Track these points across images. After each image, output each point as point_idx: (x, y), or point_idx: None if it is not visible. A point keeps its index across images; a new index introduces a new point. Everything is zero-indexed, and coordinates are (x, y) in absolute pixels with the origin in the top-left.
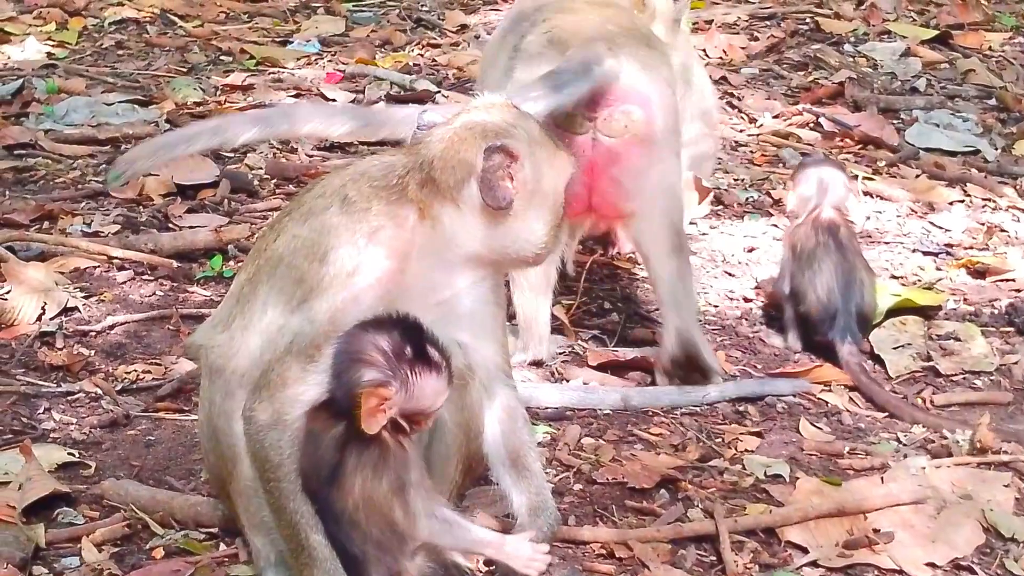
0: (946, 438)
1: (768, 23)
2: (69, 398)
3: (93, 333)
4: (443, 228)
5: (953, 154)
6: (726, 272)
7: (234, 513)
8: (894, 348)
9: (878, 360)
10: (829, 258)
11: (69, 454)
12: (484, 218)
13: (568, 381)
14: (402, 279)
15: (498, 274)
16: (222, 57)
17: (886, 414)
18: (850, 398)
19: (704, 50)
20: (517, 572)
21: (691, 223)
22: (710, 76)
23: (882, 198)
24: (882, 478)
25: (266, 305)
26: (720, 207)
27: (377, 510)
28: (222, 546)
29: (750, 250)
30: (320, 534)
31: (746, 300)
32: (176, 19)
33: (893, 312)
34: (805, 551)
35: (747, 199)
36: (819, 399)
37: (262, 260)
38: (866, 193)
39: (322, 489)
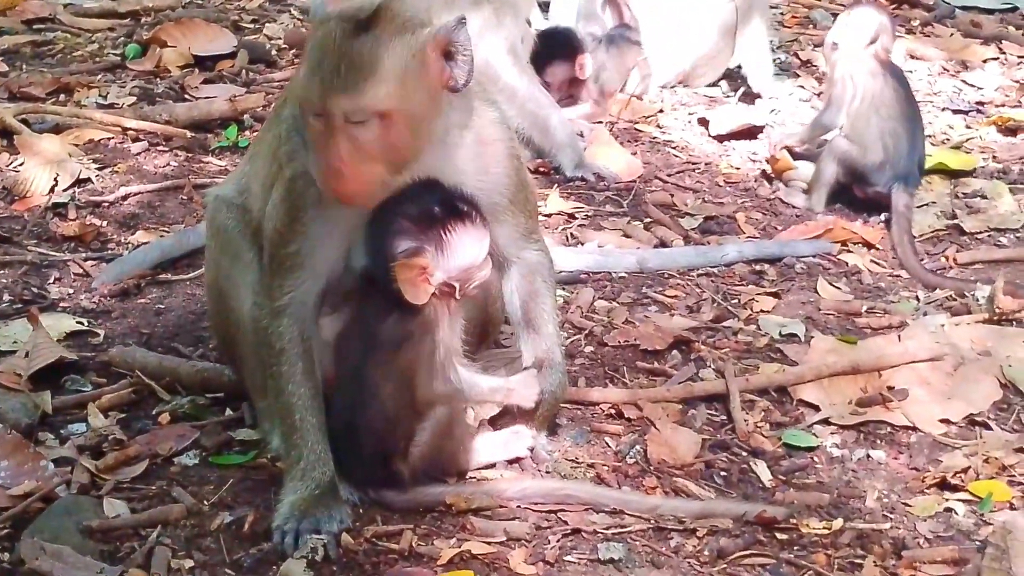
0: (966, 296)
1: None
2: (79, 268)
3: (106, 203)
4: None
5: (990, 12)
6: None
7: (239, 377)
8: (918, 206)
9: None
10: (898, 103)
11: (78, 323)
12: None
13: (583, 244)
14: None
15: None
16: None
17: (905, 272)
18: (871, 259)
19: None
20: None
21: (714, 85)
22: None
23: (914, 57)
24: (900, 336)
25: (271, 176)
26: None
27: (401, 376)
28: (228, 411)
29: (773, 112)
30: (316, 418)
31: (767, 161)
32: None
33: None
34: (817, 409)
35: (775, 60)
36: (839, 259)
37: (274, 126)
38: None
39: (356, 359)
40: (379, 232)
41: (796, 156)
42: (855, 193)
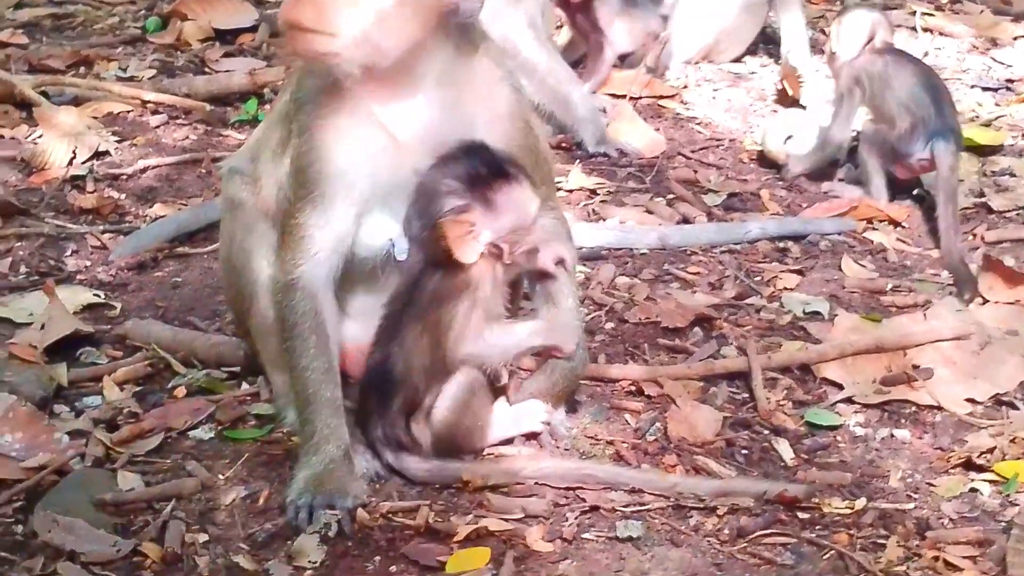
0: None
1: None
2: (96, 240)
3: (124, 176)
4: None
5: None
6: (773, 111)
7: (254, 351)
8: None
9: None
10: (904, 71)
11: (94, 295)
12: None
13: (604, 220)
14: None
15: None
16: None
17: (935, 250)
18: (897, 237)
19: None
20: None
21: (739, 60)
22: None
23: (943, 34)
24: (925, 314)
25: (283, 143)
26: (771, 45)
27: (435, 331)
28: (244, 385)
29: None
30: (330, 392)
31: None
32: None
33: None
34: (841, 388)
35: None
36: (864, 237)
37: (285, 94)
38: (926, 29)
39: (395, 313)
40: (427, 191)
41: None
42: (899, 176)
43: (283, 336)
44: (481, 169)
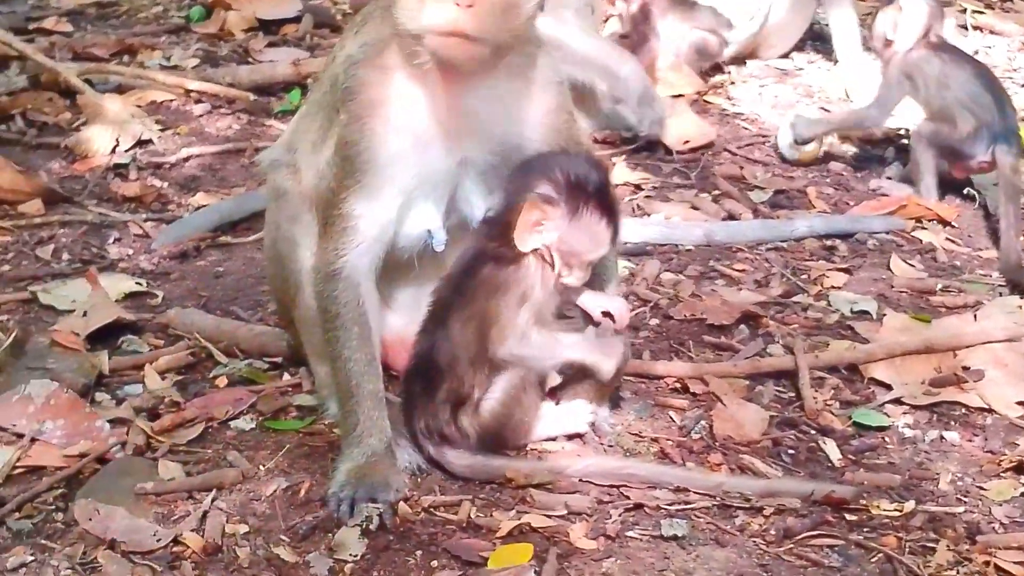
0: None
1: None
2: (139, 229)
3: (167, 165)
4: None
5: None
6: (822, 108)
7: (297, 341)
8: (994, 184)
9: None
10: (963, 71)
11: (137, 283)
12: None
13: (649, 216)
14: (415, 104)
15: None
16: None
17: (985, 250)
18: (946, 236)
19: None
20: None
21: (786, 57)
22: None
23: (993, 32)
24: (975, 315)
25: (321, 130)
26: (819, 42)
27: (482, 324)
28: (286, 376)
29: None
30: (372, 384)
31: (842, 138)
32: None
33: None
34: (889, 388)
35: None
36: (912, 236)
37: (324, 82)
38: (976, 28)
39: (444, 301)
40: (531, 170)
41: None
42: (954, 175)
43: (325, 327)
44: (589, 184)
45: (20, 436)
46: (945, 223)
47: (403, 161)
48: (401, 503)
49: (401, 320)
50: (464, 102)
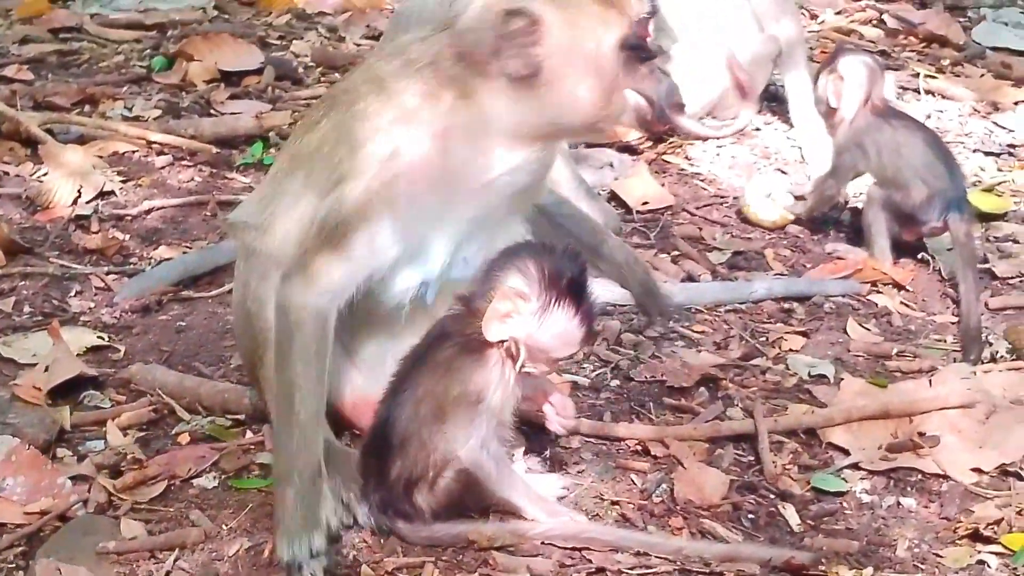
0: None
1: None
2: (101, 281)
3: (129, 217)
4: (481, 105)
5: (1021, 54)
6: (778, 170)
7: (262, 399)
8: (948, 249)
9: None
10: (915, 137)
11: (99, 338)
12: (518, 89)
13: None
14: (443, 161)
15: (553, 147)
16: None
17: (939, 314)
18: (901, 300)
19: None
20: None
21: (735, 118)
22: None
23: (944, 97)
24: (931, 380)
25: (304, 188)
26: (775, 103)
27: (438, 406)
28: (248, 433)
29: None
30: (314, 411)
31: (797, 199)
32: None
33: None
34: (847, 453)
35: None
36: (868, 300)
37: (302, 142)
38: (928, 92)
39: (405, 374)
40: (510, 256)
41: None
42: (905, 238)
43: (280, 361)
44: (564, 281)
45: None
46: (900, 287)
47: (414, 214)
48: (364, 566)
49: (370, 379)
50: (501, 163)
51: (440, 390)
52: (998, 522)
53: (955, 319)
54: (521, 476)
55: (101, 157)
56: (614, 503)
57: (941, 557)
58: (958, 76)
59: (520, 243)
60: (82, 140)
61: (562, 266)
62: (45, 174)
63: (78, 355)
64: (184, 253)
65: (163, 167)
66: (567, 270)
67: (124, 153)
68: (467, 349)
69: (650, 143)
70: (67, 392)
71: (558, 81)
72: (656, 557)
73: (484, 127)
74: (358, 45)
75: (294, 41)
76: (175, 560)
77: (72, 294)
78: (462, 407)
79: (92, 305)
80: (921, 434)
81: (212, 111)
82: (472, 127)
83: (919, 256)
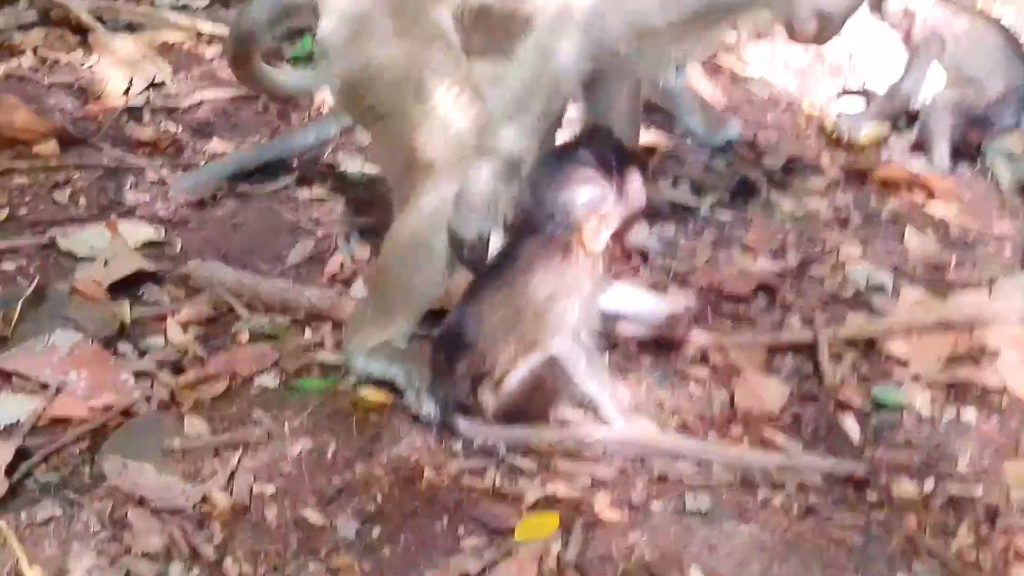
0: None
1: None
2: (155, 175)
3: (181, 109)
4: None
5: None
6: (832, 72)
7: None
8: (1008, 157)
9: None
10: (989, 32)
11: (156, 232)
12: None
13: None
14: None
15: None
16: None
17: (993, 227)
18: (958, 210)
19: None
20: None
21: None
22: None
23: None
24: (990, 293)
25: None
26: None
27: (518, 307)
28: (308, 332)
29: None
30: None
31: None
32: None
33: None
34: (906, 365)
35: None
36: (924, 211)
37: None
38: None
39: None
40: (559, 182)
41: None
42: (969, 139)
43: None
44: (608, 156)
45: (45, 387)
46: (956, 197)
47: None
48: (426, 468)
49: None
50: None
51: (525, 287)
52: None
53: (1013, 232)
54: (607, 371)
55: (151, 47)
56: (673, 412)
57: (1002, 472)
58: None
59: (546, 164)
60: (131, 28)
61: (596, 146)
62: (96, 63)
63: (136, 250)
64: (237, 148)
65: (212, 59)
66: (601, 145)
67: (173, 44)
68: (549, 249)
69: None
70: (126, 287)
71: None
72: (718, 465)
73: None
74: None
75: None
76: (239, 459)
77: (127, 187)
78: (553, 301)
79: (147, 199)
80: (981, 348)
81: None
82: None
83: (975, 166)
